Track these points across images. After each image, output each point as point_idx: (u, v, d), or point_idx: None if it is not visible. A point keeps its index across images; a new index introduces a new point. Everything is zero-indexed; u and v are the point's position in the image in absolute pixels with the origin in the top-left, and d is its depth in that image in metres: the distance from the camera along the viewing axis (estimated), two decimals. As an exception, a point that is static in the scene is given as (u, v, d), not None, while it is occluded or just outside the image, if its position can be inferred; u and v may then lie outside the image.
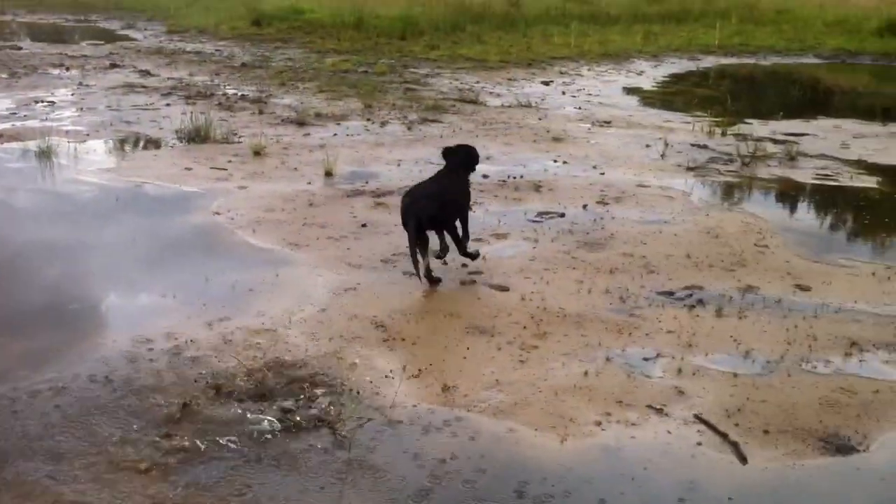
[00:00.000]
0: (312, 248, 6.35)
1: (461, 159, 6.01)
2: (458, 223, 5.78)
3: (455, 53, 17.10)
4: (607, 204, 7.64)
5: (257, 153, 8.82)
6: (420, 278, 5.54)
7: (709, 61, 18.64)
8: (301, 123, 10.34)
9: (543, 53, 17.78)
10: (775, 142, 10.37)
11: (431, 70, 15.05)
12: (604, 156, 9.41)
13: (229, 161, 8.58)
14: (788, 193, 8.44)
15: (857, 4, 27.17)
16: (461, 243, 5.80)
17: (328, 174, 8.23)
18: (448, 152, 6.08)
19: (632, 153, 9.59)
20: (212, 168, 8.33)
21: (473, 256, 5.91)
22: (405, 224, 5.56)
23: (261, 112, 10.95)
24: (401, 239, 5.95)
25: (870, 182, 8.79)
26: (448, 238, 5.78)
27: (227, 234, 6.58)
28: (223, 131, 9.59)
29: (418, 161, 8.84)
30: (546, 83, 14.37)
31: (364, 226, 6.85)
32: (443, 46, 17.97)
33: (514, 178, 8.36)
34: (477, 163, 6.15)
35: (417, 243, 5.52)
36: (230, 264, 5.96)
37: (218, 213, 7.04)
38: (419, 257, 5.53)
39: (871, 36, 22.16)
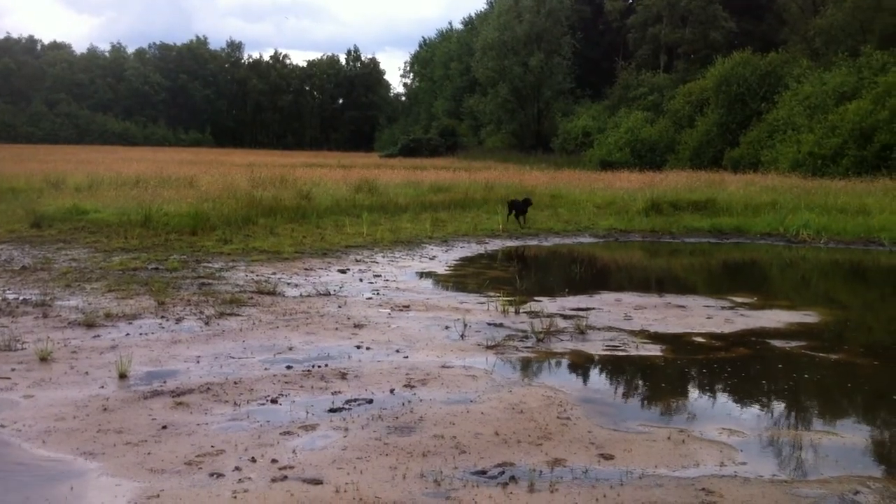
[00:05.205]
0: (109, 455, 5.96)
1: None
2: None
3: (249, 246, 17.09)
4: (414, 387, 7.71)
5: (43, 359, 8.31)
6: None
7: (495, 244, 19.63)
8: (90, 325, 9.88)
9: (337, 243, 18.13)
10: (565, 317, 10.91)
11: (226, 264, 14.92)
12: (406, 339, 9.55)
13: (13, 370, 8.02)
14: (583, 365, 8.84)
15: (623, 188, 29.84)
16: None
17: (122, 376, 7.84)
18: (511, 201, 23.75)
19: (433, 335, 9.80)
20: (-8, 378, 7.76)
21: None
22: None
23: (45, 316, 10.38)
24: (205, 439, 5.81)
25: (654, 350, 9.37)
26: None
27: (14, 449, 6.07)
28: (4, 338, 9.00)
29: (218, 356, 8.62)
30: (343, 271, 14.57)
31: (164, 427, 6.52)
32: (236, 240, 17.95)
33: (319, 367, 8.30)
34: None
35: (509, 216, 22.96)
36: (19, 481, 5.48)
37: (2, 426, 6.51)
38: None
39: (637, 215, 24.31)
